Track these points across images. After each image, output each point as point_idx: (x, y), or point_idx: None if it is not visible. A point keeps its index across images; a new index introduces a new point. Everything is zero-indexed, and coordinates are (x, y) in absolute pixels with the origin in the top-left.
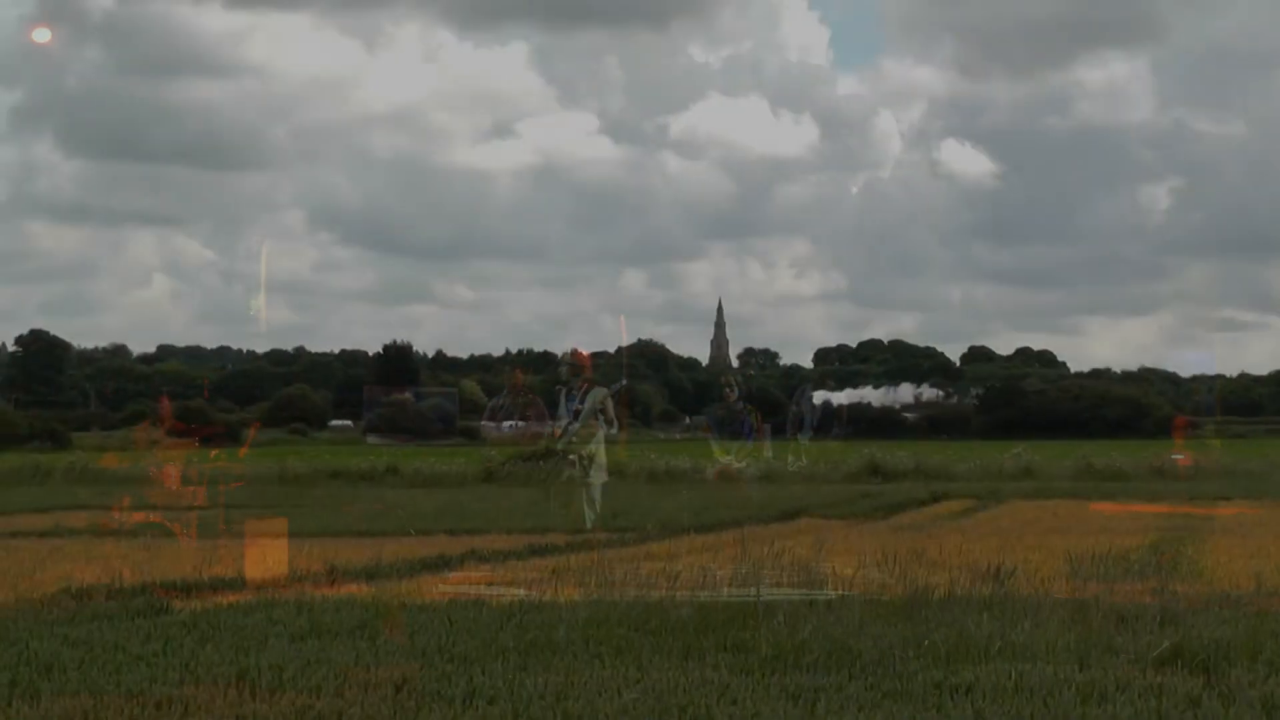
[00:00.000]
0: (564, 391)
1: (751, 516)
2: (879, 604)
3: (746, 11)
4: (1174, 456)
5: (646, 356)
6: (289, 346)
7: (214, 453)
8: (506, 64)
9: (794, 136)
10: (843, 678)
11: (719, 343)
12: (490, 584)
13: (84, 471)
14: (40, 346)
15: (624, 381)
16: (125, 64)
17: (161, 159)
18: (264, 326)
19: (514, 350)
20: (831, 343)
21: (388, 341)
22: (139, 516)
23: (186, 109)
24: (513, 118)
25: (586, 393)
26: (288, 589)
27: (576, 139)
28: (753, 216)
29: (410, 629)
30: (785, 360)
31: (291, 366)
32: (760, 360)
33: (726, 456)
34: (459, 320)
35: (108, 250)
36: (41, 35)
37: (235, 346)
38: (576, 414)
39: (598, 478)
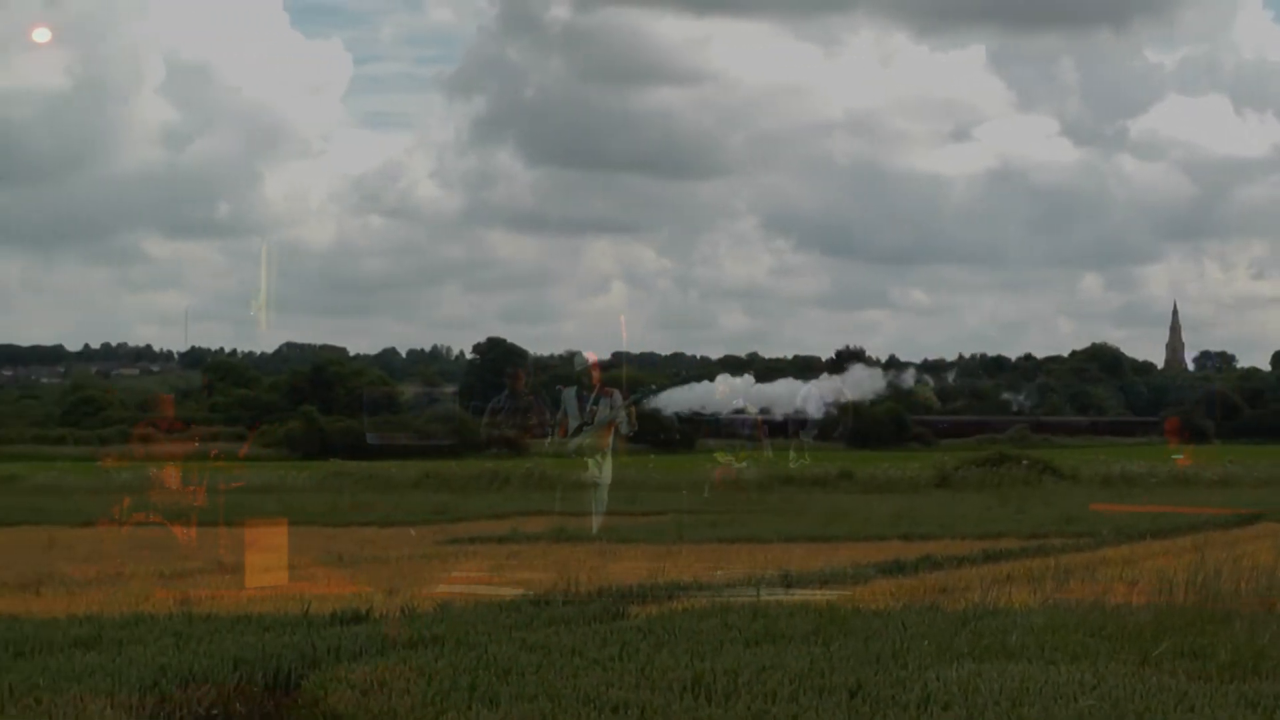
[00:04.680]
0: (576, 393)
1: (1209, 521)
2: None
3: (1206, 11)
4: (1174, 457)
5: (1100, 360)
6: (743, 353)
7: (214, 452)
8: (964, 67)
9: (1254, 136)
10: None
11: (1174, 346)
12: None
13: (541, 478)
14: (498, 354)
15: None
16: (584, 73)
17: (619, 167)
18: (264, 326)
19: (966, 355)
20: None
21: (840, 347)
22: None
23: (644, 117)
24: (971, 122)
25: (598, 397)
26: (741, 593)
27: (1035, 142)
28: (1211, 218)
29: (864, 634)
30: (1243, 363)
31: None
32: (1216, 363)
33: (727, 457)
34: (911, 324)
35: (565, 258)
36: (41, 35)
37: (689, 353)
38: (593, 415)
39: (606, 480)
